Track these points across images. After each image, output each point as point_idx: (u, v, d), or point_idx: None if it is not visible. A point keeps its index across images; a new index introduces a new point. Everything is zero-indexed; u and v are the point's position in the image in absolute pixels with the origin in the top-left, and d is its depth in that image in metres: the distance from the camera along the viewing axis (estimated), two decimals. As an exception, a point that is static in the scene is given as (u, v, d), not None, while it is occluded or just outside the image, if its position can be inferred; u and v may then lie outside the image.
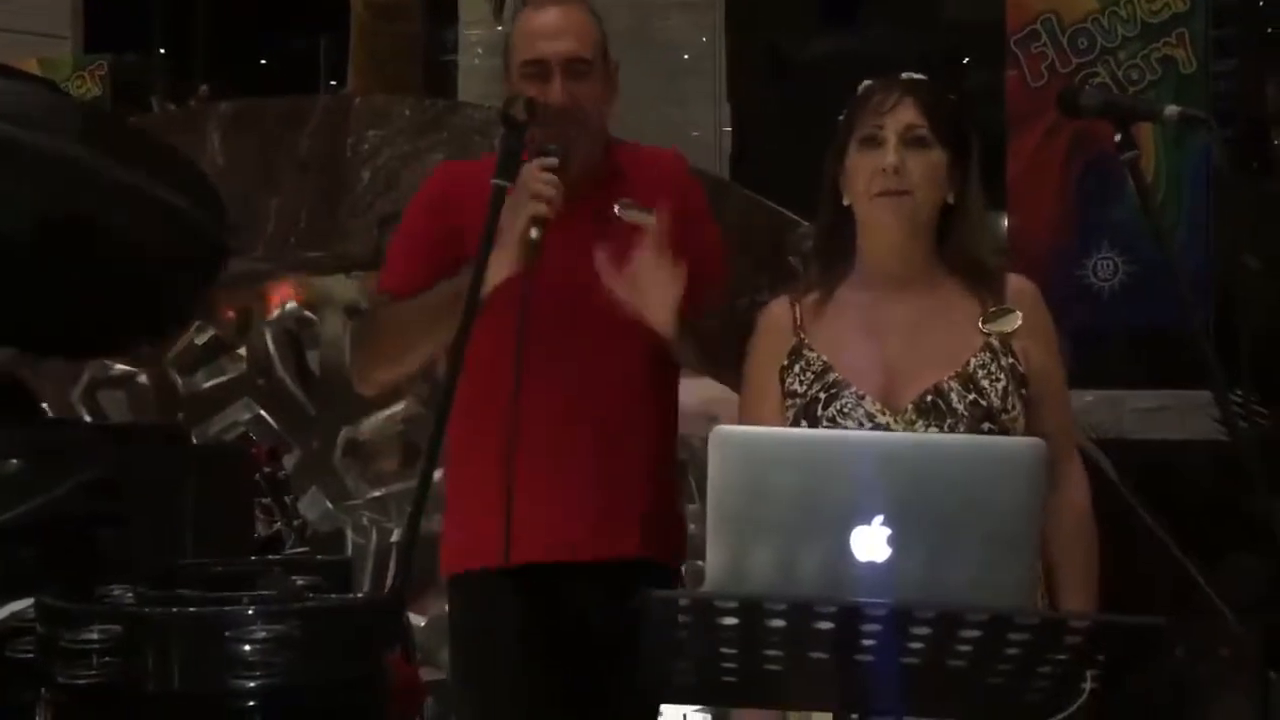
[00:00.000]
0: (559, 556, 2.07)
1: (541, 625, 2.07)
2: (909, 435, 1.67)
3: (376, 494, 3.84)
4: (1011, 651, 1.34)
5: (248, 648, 1.26)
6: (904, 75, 1.86)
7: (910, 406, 1.79)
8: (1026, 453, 1.37)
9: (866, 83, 1.88)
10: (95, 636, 1.43)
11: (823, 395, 1.80)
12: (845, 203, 1.87)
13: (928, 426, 1.78)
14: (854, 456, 1.39)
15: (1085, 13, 4.75)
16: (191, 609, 1.37)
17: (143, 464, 1.84)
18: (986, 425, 1.79)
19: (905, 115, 1.82)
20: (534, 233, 1.88)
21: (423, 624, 3.66)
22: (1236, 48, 6.45)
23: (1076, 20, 4.76)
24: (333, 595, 1.48)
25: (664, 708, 2.92)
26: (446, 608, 2.21)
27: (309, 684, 1.30)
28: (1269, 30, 6.97)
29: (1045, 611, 1.52)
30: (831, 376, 1.82)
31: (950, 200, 1.85)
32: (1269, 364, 3.65)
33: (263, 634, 1.26)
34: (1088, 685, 1.37)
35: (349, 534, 3.80)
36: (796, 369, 1.84)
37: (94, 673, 1.44)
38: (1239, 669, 2.20)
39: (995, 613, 1.31)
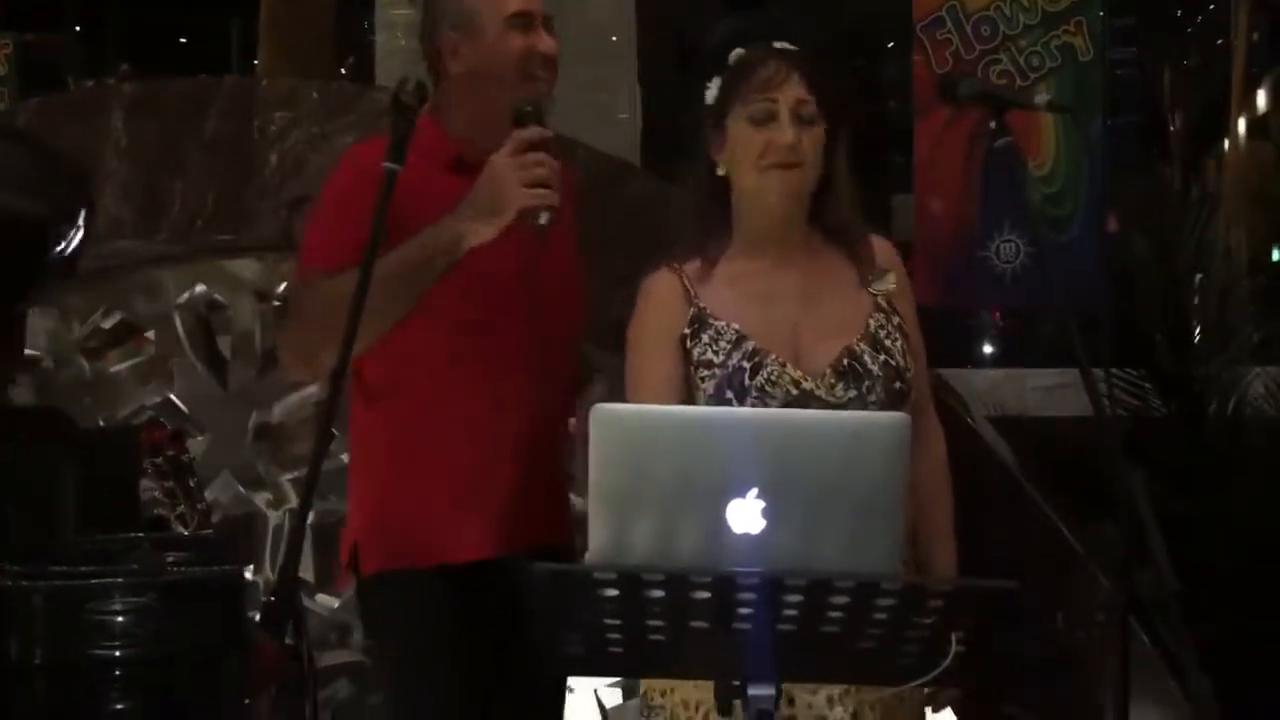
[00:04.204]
0: (505, 550, 2.09)
1: (468, 615, 2.09)
2: (782, 411, 1.72)
3: (289, 476, 3.83)
4: (879, 616, 1.40)
5: (109, 619, 1.29)
6: (777, 46, 1.87)
7: (828, 370, 1.82)
8: (892, 427, 1.43)
9: (741, 52, 1.87)
10: (-40, 611, 1.45)
11: (747, 365, 1.81)
12: (720, 172, 1.87)
13: (847, 389, 1.81)
14: (729, 433, 1.44)
15: (988, 0, 4.87)
16: (54, 583, 1.40)
17: (19, 448, 1.84)
18: (898, 384, 1.84)
19: (795, 90, 1.84)
20: (544, 219, 1.89)
21: (336, 605, 3.67)
22: (1135, 37, 6.63)
23: (980, 8, 4.87)
24: (196, 569, 1.51)
25: (576, 682, 2.97)
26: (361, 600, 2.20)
27: (170, 653, 1.34)
28: (1166, 20, 7.17)
29: (907, 578, 1.59)
30: (749, 345, 1.82)
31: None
32: (1153, 341, 3.79)
33: (121, 606, 1.29)
34: (953, 648, 1.44)
35: (270, 516, 3.80)
36: (705, 338, 1.83)
37: (-42, 644, 1.46)
38: (1113, 634, 2.30)
39: (861, 579, 1.37)
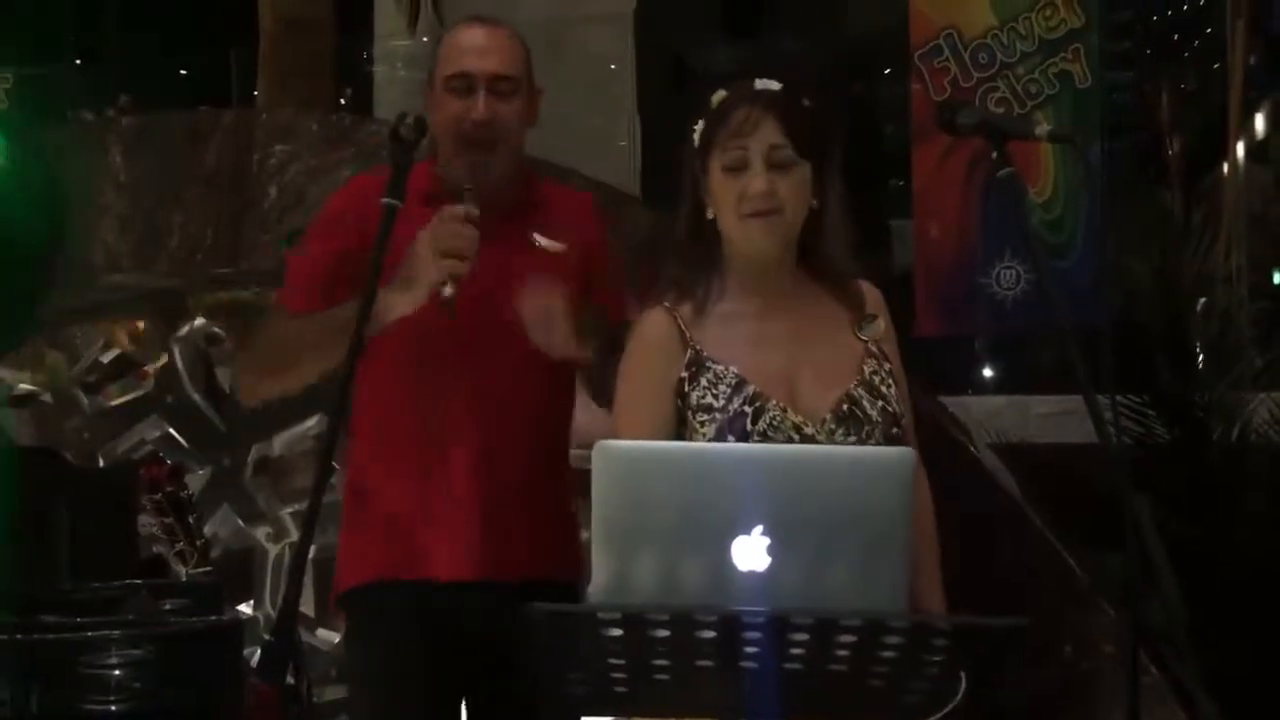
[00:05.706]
0: (480, 574, 2.08)
1: (437, 639, 2.08)
2: (786, 448, 1.70)
3: (289, 510, 3.81)
4: (887, 654, 1.39)
5: (104, 672, 1.27)
6: (759, 85, 1.82)
7: (829, 416, 1.81)
8: (897, 463, 1.42)
9: (721, 94, 1.82)
10: (-50, 665, 1.43)
11: (748, 410, 1.78)
12: (710, 216, 1.84)
13: (847, 435, 1.80)
14: (734, 469, 1.43)
15: (985, 28, 4.88)
16: (48, 636, 1.38)
17: (13, 493, 1.82)
18: (895, 430, 1.82)
19: (768, 135, 1.79)
20: (448, 290, 1.91)
21: (336, 640, 3.64)
22: (1132, 61, 6.64)
23: (977, 36, 4.88)
24: (194, 618, 1.50)
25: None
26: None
27: (166, 706, 1.31)
28: (1163, 45, 7.19)
29: (915, 615, 1.57)
30: (750, 390, 1.79)
31: (814, 205, 1.85)
32: (1155, 367, 3.77)
33: (117, 659, 1.27)
34: (963, 685, 1.42)
35: (270, 550, 3.78)
36: (703, 381, 1.81)
37: (-53, 701, 1.43)
38: (1122, 665, 2.28)
39: (868, 617, 1.36)
